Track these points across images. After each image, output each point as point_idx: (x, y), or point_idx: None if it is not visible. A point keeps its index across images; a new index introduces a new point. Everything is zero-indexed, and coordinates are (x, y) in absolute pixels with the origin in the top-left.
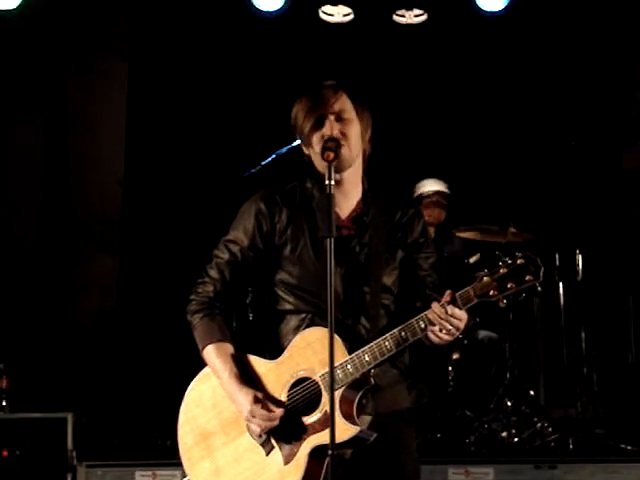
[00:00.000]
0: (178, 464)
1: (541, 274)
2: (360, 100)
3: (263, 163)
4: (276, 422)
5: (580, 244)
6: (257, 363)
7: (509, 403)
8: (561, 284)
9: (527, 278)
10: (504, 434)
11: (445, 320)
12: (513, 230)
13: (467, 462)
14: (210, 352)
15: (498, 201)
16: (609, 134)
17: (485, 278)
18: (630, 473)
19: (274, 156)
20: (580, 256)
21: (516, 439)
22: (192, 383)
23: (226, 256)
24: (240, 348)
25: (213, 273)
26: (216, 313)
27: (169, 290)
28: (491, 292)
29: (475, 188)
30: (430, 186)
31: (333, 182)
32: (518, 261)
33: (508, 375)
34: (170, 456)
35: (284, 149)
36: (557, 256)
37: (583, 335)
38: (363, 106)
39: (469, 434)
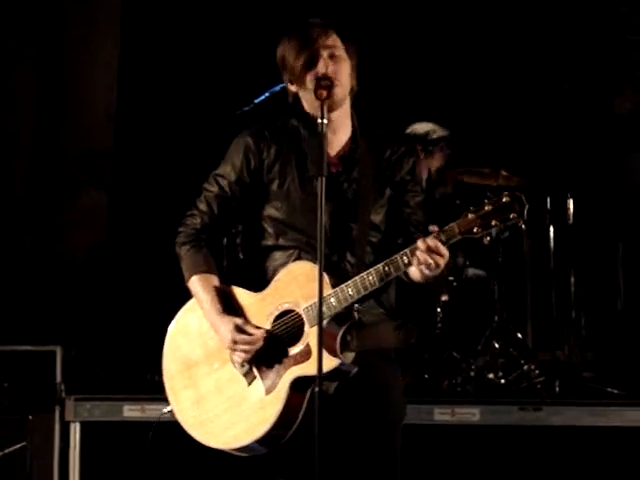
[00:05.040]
0: (167, 399)
1: (525, 212)
2: (348, 38)
3: (256, 101)
4: (258, 345)
5: (571, 188)
6: (242, 295)
7: (497, 345)
8: (552, 228)
9: (511, 216)
10: (491, 375)
11: (428, 254)
12: (505, 173)
13: (453, 402)
14: (195, 282)
15: (490, 144)
16: (601, 78)
17: (470, 215)
18: (616, 417)
19: (267, 94)
20: (571, 200)
21: (503, 381)
22: (178, 313)
23: (215, 189)
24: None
25: (202, 206)
26: (202, 245)
27: (159, 225)
28: (475, 229)
29: (466, 130)
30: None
31: (326, 121)
32: (503, 199)
33: (496, 317)
34: (159, 391)
35: (277, 87)
36: (548, 200)
37: (572, 279)
38: (351, 44)
39: (456, 375)
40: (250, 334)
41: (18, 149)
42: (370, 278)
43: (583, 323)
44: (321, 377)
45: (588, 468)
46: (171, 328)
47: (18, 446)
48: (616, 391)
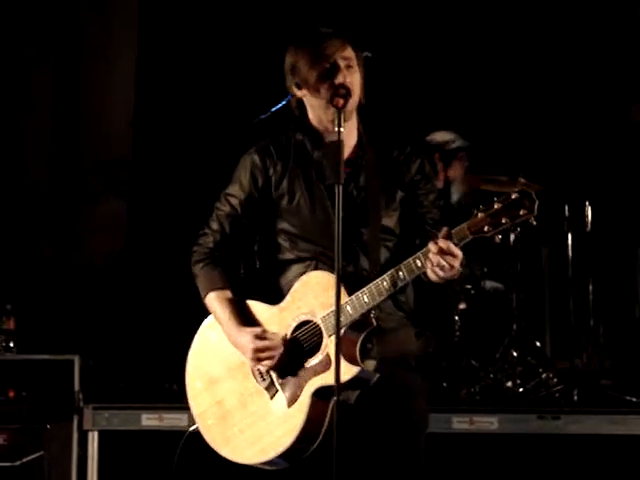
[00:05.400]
0: (184, 408)
1: (535, 208)
2: (360, 49)
3: (273, 110)
4: (280, 350)
5: (590, 195)
6: (259, 309)
7: (515, 353)
8: (570, 235)
9: (521, 212)
10: (509, 384)
11: (440, 256)
12: (523, 181)
13: (471, 411)
14: (212, 299)
15: (508, 152)
16: (618, 85)
17: (479, 214)
18: (634, 425)
19: (284, 102)
20: (589, 207)
21: (521, 389)
22: (199, 331)
23: (226, 209)
24: (247, 295)
25: (214, 225)
26: (217, 263)
27: (178, 233)
28: (485, 228)
29: (485, 138)
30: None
31: (342, 129)
32: (513, 196)
33: (514, 326)
34: (176, 400)
35: None
36: (566, 207)
37: (590, 287)
38: (361, 55)
39: (474, 384)
40: (270, 339)
41: (36, 157)
42: (384, 284)
43: (601, 331)
44: (339, 386)
45: (607, 477)
46: (192, 347)
47: (36, 455)
48: (634, 399)
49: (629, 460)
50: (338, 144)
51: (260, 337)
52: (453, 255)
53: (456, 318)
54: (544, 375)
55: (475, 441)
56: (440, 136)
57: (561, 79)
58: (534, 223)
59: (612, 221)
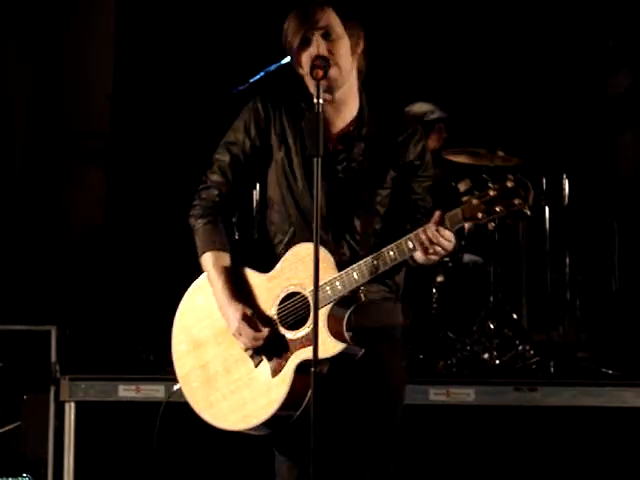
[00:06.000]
0: (161, 379)
1: (530, 198)
2: (348, 15)
3: (251, 80)
4: (261, 342)
5: (567, 169)
6: (251, 276)
7: (492, 326)
8: (547, 208)
9: (516, 202)
10: (486, 356)
11: (435, 241)
12: (501, 154)
13: (448, 383)
14: (208, 259)
15: (486, 124)
16: (595, 59)
17: (474, 201)
18: (610, 397)
19: (262, 74)
20: (567, 181)
21: (498, 361)
22: (187, 292)
23: (227, 158)
24: (241, 258)
25: (216, 177)
26: (218, 220)
27: (156, 205)
28: (479, 214)
29: (463, 111)
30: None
31: (322, 101)
32: (508, 184)
33: (491, 298)
34: (154, 371)
35: (273, 66)
36: (544, 180)
37: (567, 260)
38: (352, 21)
39: (451, 355)
40: (256, 329)
41: (15, 129)
42: (375, 263)
43: (578, 304)
44: (316, 358)
45: (582, 448)
46: (180, 307)
47: (13, 426)
48: (610, 371)
49: (605, 432)
50: (318, 116)
51: (248, 319)
52: (447, 239)
53: (434, 290)
54: (521, 347)
55: (452, 413)
56: (418, 107)
57: (538, 52)
58: (528, 213)
59: (589, 195)
